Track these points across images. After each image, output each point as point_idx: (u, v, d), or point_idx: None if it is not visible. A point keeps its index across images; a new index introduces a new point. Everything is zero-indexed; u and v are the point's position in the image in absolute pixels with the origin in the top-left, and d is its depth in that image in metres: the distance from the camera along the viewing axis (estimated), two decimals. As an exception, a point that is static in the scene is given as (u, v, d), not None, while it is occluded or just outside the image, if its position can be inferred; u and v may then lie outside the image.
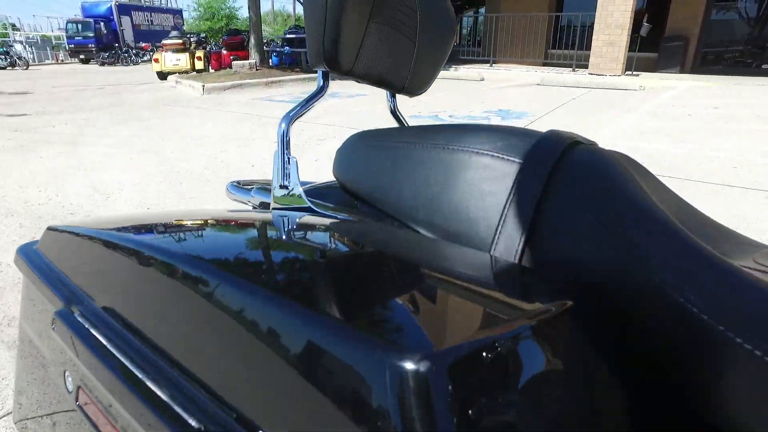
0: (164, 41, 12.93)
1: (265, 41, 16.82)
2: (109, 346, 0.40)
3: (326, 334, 0.27)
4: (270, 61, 13.28)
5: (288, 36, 12.40)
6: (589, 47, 9.92)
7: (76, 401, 0.43)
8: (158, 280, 0.39)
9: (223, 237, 0.53)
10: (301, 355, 0.28)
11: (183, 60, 12.54)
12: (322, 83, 0.64)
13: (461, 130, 0.53)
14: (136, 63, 24.18)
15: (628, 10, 9.07)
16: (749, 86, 8.34)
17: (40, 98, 8.71)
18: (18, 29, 38.28)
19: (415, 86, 0.77)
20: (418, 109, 6.27)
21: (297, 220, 0.55)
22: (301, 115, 0.64)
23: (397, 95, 0.82)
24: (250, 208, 0.79)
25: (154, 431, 0.33)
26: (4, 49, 21.34)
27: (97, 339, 0.41)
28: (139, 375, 0.36)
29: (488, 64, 11.86)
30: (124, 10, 30.54)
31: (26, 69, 20.56)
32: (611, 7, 9.20)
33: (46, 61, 29.02)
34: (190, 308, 0.36)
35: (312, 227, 0.53)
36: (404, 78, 0.74)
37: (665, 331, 0.34)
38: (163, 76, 12.44)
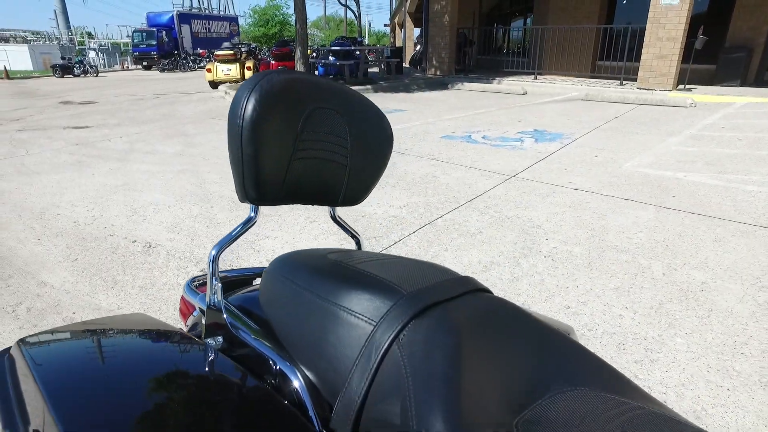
0: (216, 52, 13.56)
1: (315, 48, 17.28)
2: None
3: None
4: (316, 71, 13.64)
5: (333, 48, 12.69)
6: (639, 58, 9.55)
7: None
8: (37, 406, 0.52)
9: (131, 359, 0.63)
10: None
11: (234, 70, 13.12)
12: (252, 215, 0.74)
13: (343, 283, 0.61)
14: (194, 69, 25.40)
15: (681, 23, 8.68)
16: (815, 104, 7.77)
17: (103, 109, 9.38)
18: (93, 37, 41.16)
19: (351, 198, 0.84)
20: (452, 129, 6.29)
21: (201, 357, 0.65)
22: (231, 244, 0.74)
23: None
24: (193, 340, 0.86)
25: None
26: (79, 58, 23.04)
27: None
28: None
29: (532, 77, 11.65)
30: (184, 19, 32.16)
31: (96, 76, 22.06)
32: (663, 19, 8.83)
33: (115, 67, 30.96)
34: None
35: (199, 370, 0.62)
36: (337, 194, 0.81)
37: None
38: (214, 85, 13.05)
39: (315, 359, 0.59)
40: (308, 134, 0.71)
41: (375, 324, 0.54)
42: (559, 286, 2.31)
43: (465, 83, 11.23)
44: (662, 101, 8.14)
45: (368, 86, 10.98)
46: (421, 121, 6.87)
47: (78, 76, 21.88)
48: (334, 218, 0.90)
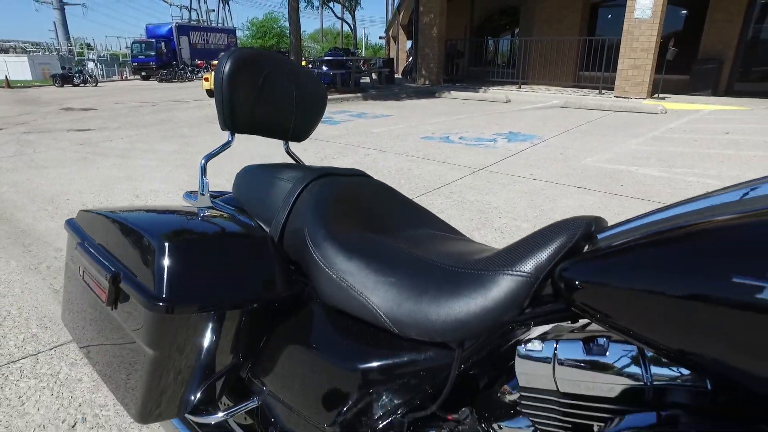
0: (213, 62, 14.03)
1: (311, 59, 17.86)
2: (98, 254, 0.90)
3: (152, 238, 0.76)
4: (310, 80, 14.10)
5: (326, 58, 13.18)
6: (617, 68, 10.05)
7: (82, 278, 0.93)
8: (110, 231, 0.90)
9: (166, 216, 1.02)
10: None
11: (230, 79, 13.57)
12: (229, 139, 1.13)
13: (280, 167, 1.00)
14: (191, 79, 25.83)
15: (653, 35, 9.20)
16: (777, 111, 8.25)
17: (104, 114, 9.78)
18: (92, 48, 41.67)
19: (297, 136, 1.23)
20: (432, 131, 6.72)
21: (195, 214, 1.04)
22: (215, 157, 1.13)
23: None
24: (193, 207, 1.25)
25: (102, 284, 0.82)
26: (79, 68, 23.50)
27: (92, 251, 0.91)
28: (106, 268, 0.86)
29: (517, 86, 12.16)
30: (183, 30, 32.69)
31: (95, 86, 22.47)
32: (637, 31, 9.36)
33: (113, 77, 31.39)
34: (124, 242, 0.86)
35: (196, 218, 1.01)
36: (287, 131, 1.21)
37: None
38: (211, 93, 13.49)
39: (262, 210, 0.98)
40: (267, 88, 1.11)
41: (293, 183, 0.94)
42: (503, 251, 2.70)
43: (452, 92, 11.71)
44: (636, 108, 8.62)
45: (359, 94, 11.44)
46: (404, 125, 7.30)
47: (78, 85, 22.26)
48: (287, 151, 1.29)
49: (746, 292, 0.41)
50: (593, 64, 11.60)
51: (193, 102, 12.19)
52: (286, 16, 15.64)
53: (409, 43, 22.34)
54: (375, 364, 0.71)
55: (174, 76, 25.64)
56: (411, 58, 17.36)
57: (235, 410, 0.92)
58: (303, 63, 14.73)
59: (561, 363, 0.59)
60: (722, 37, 10.63)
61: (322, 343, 0.77)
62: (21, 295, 2.19)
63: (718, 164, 4.55)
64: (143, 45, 29.71)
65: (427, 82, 13.75)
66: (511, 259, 0.64)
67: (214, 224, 0.92)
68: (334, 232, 0.80)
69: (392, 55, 25.69)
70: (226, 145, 1.14)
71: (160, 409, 0.87)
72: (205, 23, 43.96)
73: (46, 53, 35.59)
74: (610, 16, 12.96)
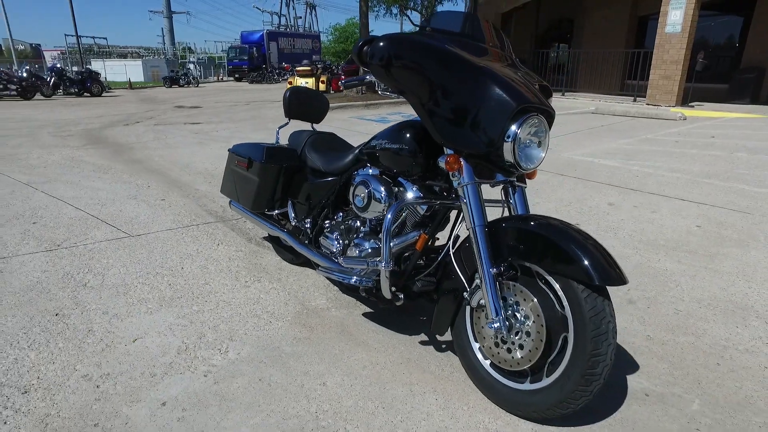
0: (297, 68, 16.35)
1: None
2: (243, 154, 2.72)
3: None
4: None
5: (391, 65, 14.98)
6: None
7: (236, 165, 2.75)
8: (244, 147, 2.71)
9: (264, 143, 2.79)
10: None
11: (310, 83, 15.82)
12: (288, 121, 2.87)
13: (305, 131, 2.74)
14: (278, 81, 28.85)
15: (683, 48, 10.00)
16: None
17: (207, 111, 12.25)
18: (193, 52, 46.77)
19: (317, 120, 2.96)
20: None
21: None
22: (282, 128, 2.89)
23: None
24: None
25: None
26: (184, 71, 27.24)
27: (242, 152, 2.73)
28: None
29: (560, 93, 13.21)
30: (272, 36, 36.15)
31: (197, 86, 25.99)
32: (667, 45, 10.20)
33: (210, 79, 35.41)
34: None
35: (275, 145, 2.78)
36: (312, 118, 2.95)
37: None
38: (293, 95, 15.79)
39: (295, 145, 2.72)
40: (302, 100, 2.86)
41: (306, 136, 2.67)
42: (457, 201, 4.29)
43: (500, 97, 13.01)
44: (657, 115, 9.53)
45: (415, 98, 13.09)
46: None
47: (183, 86, 25.90)
48: (312, 128, 3.03)
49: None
50: (637, 73, 12.41)
51: (277, 102, 14.50)
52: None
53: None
54: (319, 180, 2.44)
55: (263, 78, 28.80)
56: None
57: (278, 211, 2.69)
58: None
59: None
60: (764, 48, 11.06)
61: (308, 178, 2.51)
62: (183, 206, 4.14)
63: (669, 159, 5.71)
64: (237, 50, 33.41)
65: (480, 88, 15.10)
66: (354, 149, 2.32)
67: (281, 145, 2.68)
68: (314, 148, 2.53)
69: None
70: (287, 123, 2.90)
71: (258, 206, 2.65)
72: (293, 28, 47.53)
73: (155, 57, 40.73)
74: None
